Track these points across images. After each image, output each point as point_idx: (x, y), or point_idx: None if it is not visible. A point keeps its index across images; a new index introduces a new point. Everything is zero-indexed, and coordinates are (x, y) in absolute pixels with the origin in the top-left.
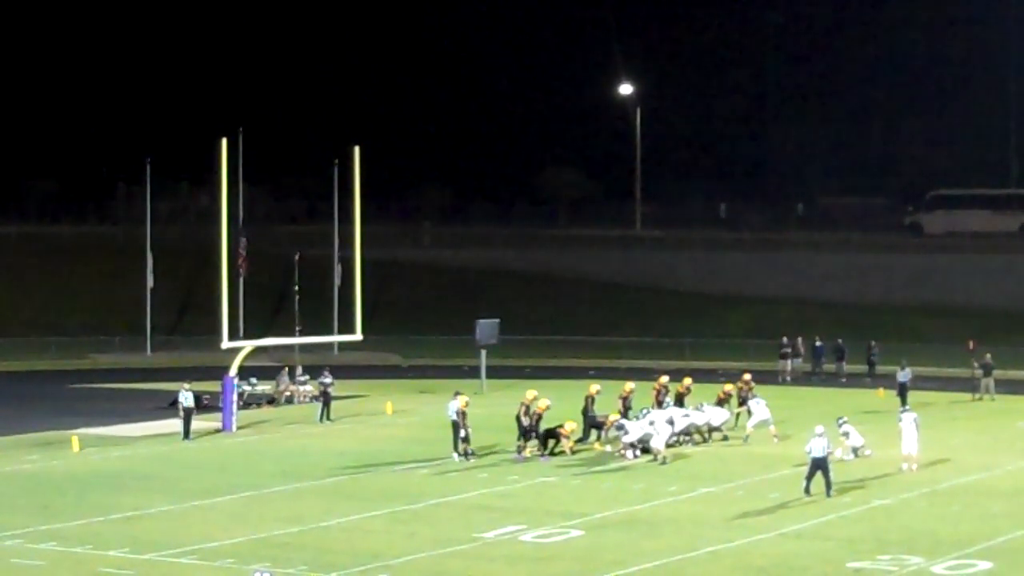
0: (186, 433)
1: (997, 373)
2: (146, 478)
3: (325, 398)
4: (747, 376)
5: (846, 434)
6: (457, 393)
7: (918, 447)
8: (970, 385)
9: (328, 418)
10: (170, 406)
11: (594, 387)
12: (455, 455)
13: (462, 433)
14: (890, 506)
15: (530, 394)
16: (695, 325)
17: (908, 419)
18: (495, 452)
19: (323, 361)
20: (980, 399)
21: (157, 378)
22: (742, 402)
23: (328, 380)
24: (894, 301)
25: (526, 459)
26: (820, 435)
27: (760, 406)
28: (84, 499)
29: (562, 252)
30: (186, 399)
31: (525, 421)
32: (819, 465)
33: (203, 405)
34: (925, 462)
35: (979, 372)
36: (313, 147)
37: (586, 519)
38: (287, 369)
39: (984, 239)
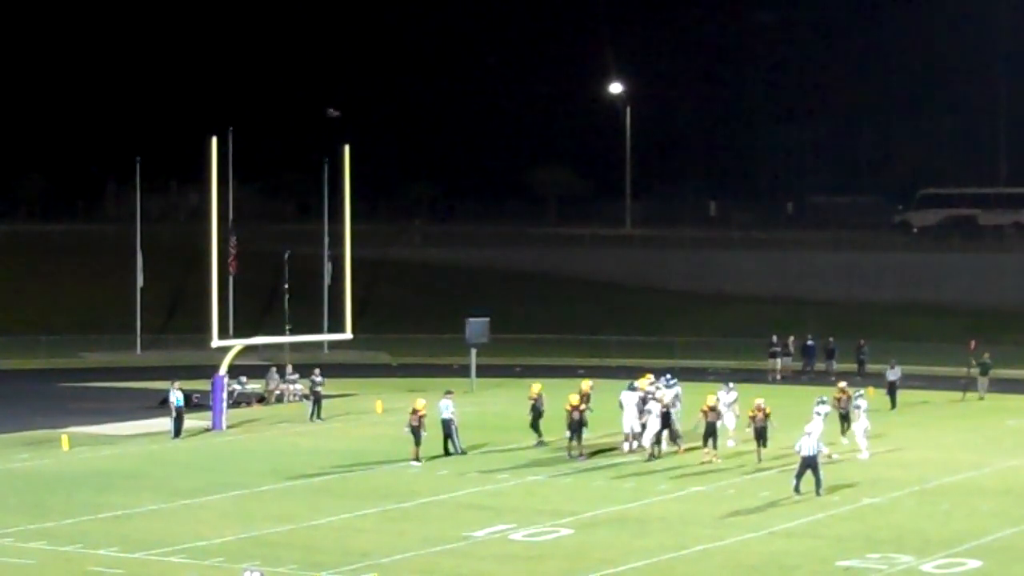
0: (177, 432)
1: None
2: (136, 477)
3: (316, 397)
4: (843, 384)
5: (858, 407)
6: (448, 392)
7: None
8: (959, 384)
9: (319, 417)
10: (160, 405)
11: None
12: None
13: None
14: (880, 505)
15: (575, 397)
16: (685, 323)
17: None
18: (487, 450)
19: (313, 360)
20: (982, 398)
21: (147, 377)
22: (844, 416)
23: (319, 379)
24: (884, 299)
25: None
26: (809, 434)
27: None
28: (74, 498)
29: (552, 250)
30: (176, 398)
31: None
32: (808, 464)
33: (193, 404)
34: (916, 461)
35: (976, 371)
36: (303, 145)
37: (576, 518)
38: (276, 368)
39: (974, 238)
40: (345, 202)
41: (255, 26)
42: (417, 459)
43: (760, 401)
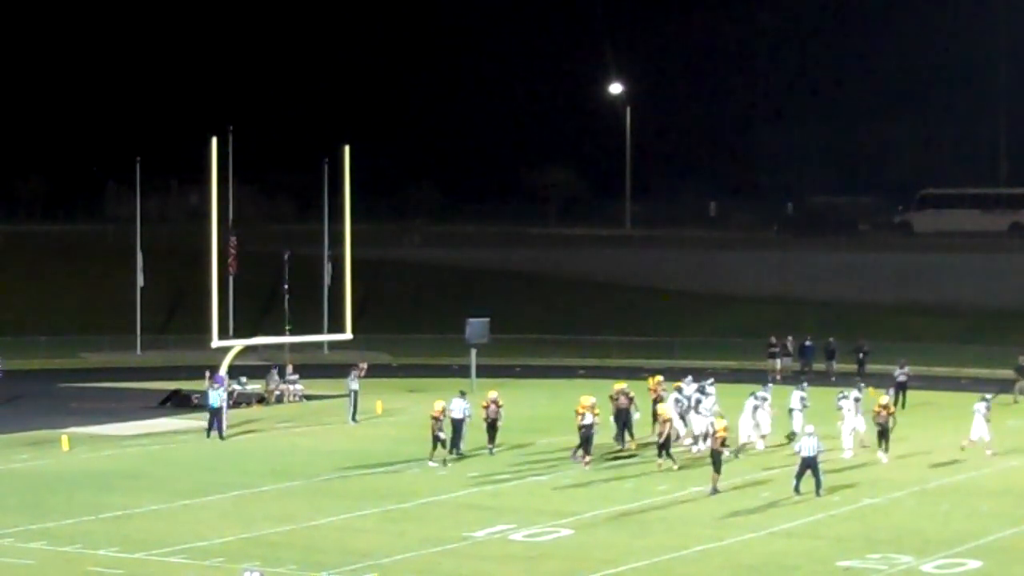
0: (220, 433)
1: (985, 372)
2: (136, 477)
3: (353, 398)
4: (884, 399)
5: (839, 407)
6: (461, 392)
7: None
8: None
9: (354, 419)
10: (160, 405)
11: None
12: (431, 461)
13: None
14: (880, 505)
15: (587, 400)
16: (685, 324)
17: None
18: (482, 451)
19: (313, 360)
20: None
21: (147, 377)
22: (881, 432)
23: (354, 384)
24: (883, 300)
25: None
26: (810, 435)
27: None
28: (74, 498)
29: (552, 251)
30: (215, 399)
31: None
32: (808, 464)
33: (192, 404)
34: (916, 461)
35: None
36: (303, 146)
37: (576, 518)
38: (276, 368)
39: (974, 238)
40: (345, 202)
41: (255, 26)
42: (432, 460)
43: (722, 422)
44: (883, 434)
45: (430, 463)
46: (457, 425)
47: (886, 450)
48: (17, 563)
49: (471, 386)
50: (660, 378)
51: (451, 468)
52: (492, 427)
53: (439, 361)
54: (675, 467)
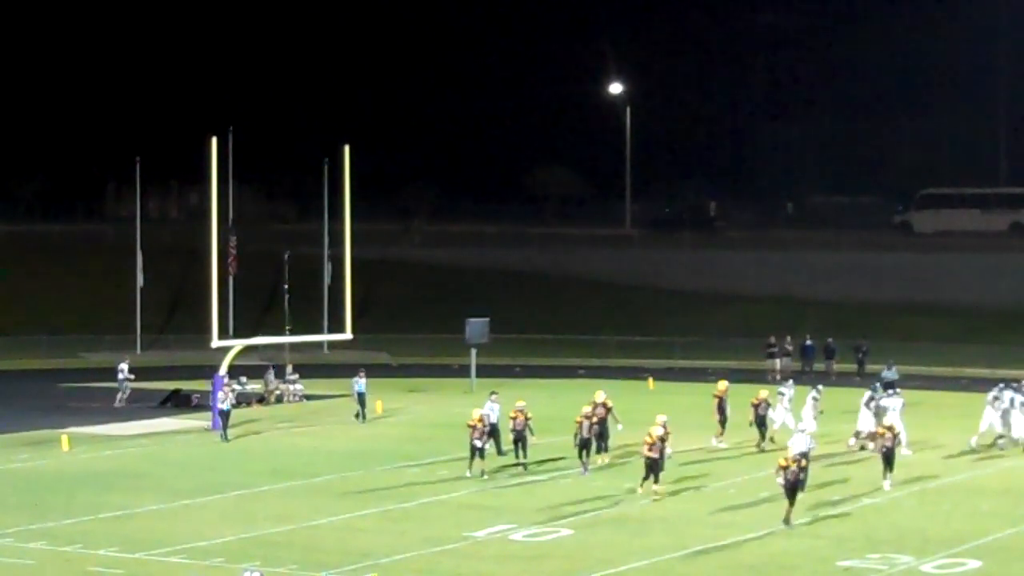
0: (224, 435)
1: (985, 372)
2: (136, 477)
3: (360, 399)
4: (888, 422)
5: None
6: (493, 393)
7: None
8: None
9: (363, 419)
10: (160, 405)
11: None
12: (468, 473)
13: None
14: (880, 505)
15: (586, 409)
16: (684, 324)
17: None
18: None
19: (313, 360)
20: None
21: (147, 377)
22: (886, 457)
23: (362, 384)
24: (883, 300)
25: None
26: (801, 431)
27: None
28: (74, 498)
29: (552, 251)
30: (224, 400)
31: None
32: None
33: (192, 404)
34: (916, 461)
35: None
36: (303, 146)
37: (576, 518)
38: (273, 368)
39: (974, 238)
40: (345, 202)
41: (255, 26)
42: (469, 471)
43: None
44: (888, 459)
45: (467, 474)
46: (494, 428)
47: (891, 471)
48: (17, 563)
49: (471, 386)
50: (727, 383)
51: (433, 467)
52: (520, 440)
53: (439, 361)
54: (661, 496)
